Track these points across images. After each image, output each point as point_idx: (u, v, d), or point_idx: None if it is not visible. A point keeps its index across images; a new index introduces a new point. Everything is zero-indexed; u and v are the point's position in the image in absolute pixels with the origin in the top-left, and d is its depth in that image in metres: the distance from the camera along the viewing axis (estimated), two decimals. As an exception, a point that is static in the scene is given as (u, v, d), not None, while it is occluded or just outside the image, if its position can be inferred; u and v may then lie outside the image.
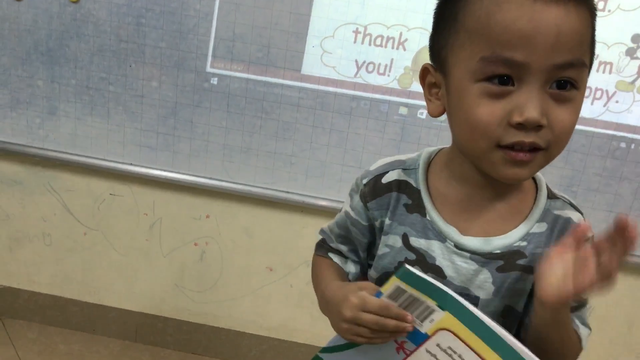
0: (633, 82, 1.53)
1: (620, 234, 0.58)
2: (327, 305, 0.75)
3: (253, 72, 1.62)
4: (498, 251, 0.72)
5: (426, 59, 0.73)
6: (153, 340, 1.95)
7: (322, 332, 1.91)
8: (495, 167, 0.65)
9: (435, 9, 0.70)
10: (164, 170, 1.73)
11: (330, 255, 0.85)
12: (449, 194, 0.74)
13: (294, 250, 1.80)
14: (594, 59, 0.67)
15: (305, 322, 1.87)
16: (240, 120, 1.67)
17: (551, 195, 0.74)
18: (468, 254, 0.72)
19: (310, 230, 1.74)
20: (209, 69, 1.63)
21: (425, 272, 0.72)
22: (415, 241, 0.74)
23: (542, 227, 0.73)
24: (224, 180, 1.72)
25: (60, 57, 1.67)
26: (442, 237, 0.73)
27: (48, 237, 1.89)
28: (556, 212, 0.73)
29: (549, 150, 0.64)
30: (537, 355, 0.66)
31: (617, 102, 1.55)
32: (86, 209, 1.85)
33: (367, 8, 1.54)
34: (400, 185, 0.76)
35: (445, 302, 0.66)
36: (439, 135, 1.61)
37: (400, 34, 1.55)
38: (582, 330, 0.72)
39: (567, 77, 0.62)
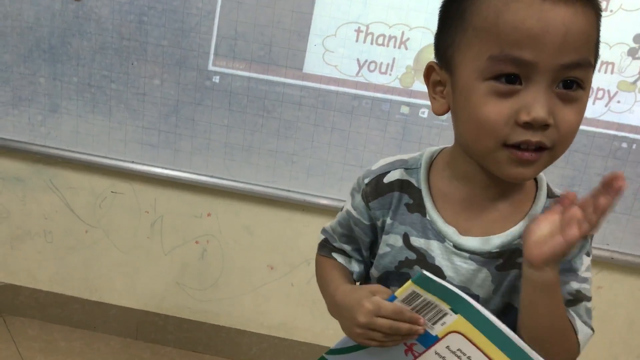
0: (635, 82, 1.53)
1: (608, 185, 0.59)
2: (338, 309, 0.75)
3: (255, 71, 1.62)
4: (497, 250, 0.72)
5: (428, 58, 0.73)
6: (154, 338, 1.95)
7: (323, 331, 1.93)
8: (501, 167, 0.65)
9: (441, 7, 0.70)
10: (166, 168, 1.74)
11: (334, 255, 0.85)
12: (450, 194, 0.74)
13: (295, 249, 1.80)
14: (598, 59, 0.67)
15: (305, 321, 1.87)
16: (241, 119, 1.67)
17: (551, 195, 0.75)
18: (467, 254, 0.72)
19: (312, 229, 1.74)
20: (210, 67, 1.63)
21: (426, 270, 0.73)
22: (416, 240, 0.75)
23: None
24: (225, 178, 1.73)
25: (63, 55, 1.67)
26: (441, 237, 0.73)
27: (49, 234, 1.90)
28: None
29: (554, 150, 0.64)
30: (530, 341, 0.67)
31: (618, 102, 1.55)
32: (88, 207, 1.85)
33: (369, 7, 1.54)
34: (402, 185, 0.76)
35: (458, 306, 0.66)
36: (440, 134, 1.61)
37: (402, 33, 1.55)
38: (579, 325, 0.72)
39: (574, 77, 0.62)
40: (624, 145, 1.58)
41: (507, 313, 0.73)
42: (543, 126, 0.61)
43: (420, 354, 0.71)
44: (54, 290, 1.95)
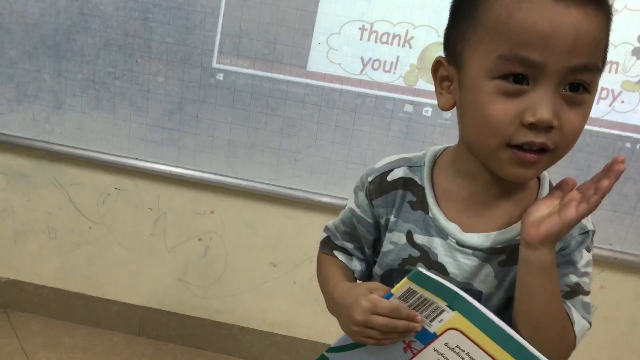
0: (639, 82, 1.53)
1: (609, 169, 0.61)
2: (336, 307, 0.75)
3: (259, 68, 1.62)
4: (500, 246, 0.72)
5: (432, 57, 0.73)
6: (156, 335, 1.96)
7: (325, 329, 1.93)
8: (502, 166, 0.66)
9: (453, 2, 0.70)
10: (169, 165, 1.74)
11: (336, 253, 0.85)
12: (454, 191, 0.74)
13: (298, 247, 1.81)
14: (606, 62, 0.67)
15: (307, 318, 1.87)
16: (245, 116, 1.67)
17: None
18: (470, 251, 0.73)
19: (314, 227, 1.74)
20: (215, 65, 1.64)
21: (429, 269, 0.73)
22: (419, 238, 0.75)
23: None
24: (228, 175, 1.73)
25: (67, 51, 1.68)
26: (443, 234, 0.74)
27: (53, 230, 1.90)
28: None
29: (556, 152, 0.65)
30: (525, 328, 0.67)
31: (622, 102, 1.55)
32: (91, 203, 1.85)
33: (374, 5, 1.54)
34: (405, 183, 0.77)
35: (455, 303, 0.66)
36: (444, 133, 1.61)
37: (407, 32, 1.55)
38: (576, 317, 0.71)
39: (581, 80, 0.62)
40: (628, 145, 1.58)
41: (508, 308, 0.73)
42: (547, 128, 0.62)
43: (419, 351, 0.71)
44: (57, 286, 1.96)
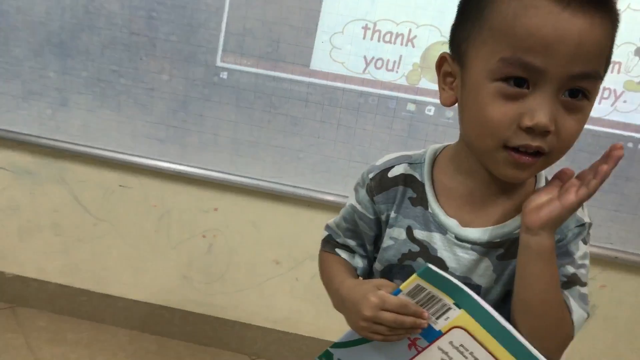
0: (641, 82, 1.53)
1: (608, 155, 0.63)
2: (344, 304, 0.76)
3: (262, 67, 1.63)
4: (498, 240, 0.73)
5: (435, 56, 0.74)
6: (160, 331, 1.97)
7: (327, 326, 1.94)
8: (498, 166, 0.67)
9: (462, 0, 0.70)
10: (173, 163, 1.75)
11: (338, 251, 0.86)
12: (453, 188, 0.76)
13: (300, 244, 1.82)
14: (608, 68, 0.68)
15: (310, 315, 1.88)
16: (249, 115, 1.68)
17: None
18: (469, 245, 0.74)
19: (317, 225, 1.74)
20: (219, 63, 1.65)
21: (428, 262, 0.74)
22: (419, 233, 0.76)
23: None
24: (232, 173, 1.74)
25: (72, 49, 1.69)
26: (443, 230, 0.75)
27: (58, 227, 1.92)
28: None
29: (551, 156, 0.66)
30: (523, 316, 0.68)
31: (624, 101, 1.55)
32: (96, 200, 1.87)
33: (377, 4, 1.54)
34: (406, 179, 0.78)
35: (463, 301, 0.67)
36: (446, 132, 1.61)
37: (410, 31, 1.56)
38: (574, 306, 0.72)
39: (581, 87, 0.63)
40: (630, 145, 1.59)
41: (507, 301, 0.74)
42: (544, 132, 0.63)
43: (423, 349, 0.72)
44: (62, 282, 1.97)
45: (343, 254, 0.85)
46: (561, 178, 0.68)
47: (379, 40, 1.58)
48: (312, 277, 1.83)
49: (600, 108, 1.56)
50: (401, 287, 0.69)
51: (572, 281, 0.73)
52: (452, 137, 0.77)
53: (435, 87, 0.74)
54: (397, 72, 1.60)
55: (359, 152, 1.67)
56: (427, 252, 0.76)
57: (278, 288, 1.88)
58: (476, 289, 0.74)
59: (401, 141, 1.64)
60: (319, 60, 1.61)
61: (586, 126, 1.61)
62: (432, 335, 0.71)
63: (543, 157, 0.65)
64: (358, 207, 0.82)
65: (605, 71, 0.66)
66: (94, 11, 1.65)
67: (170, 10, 1.62)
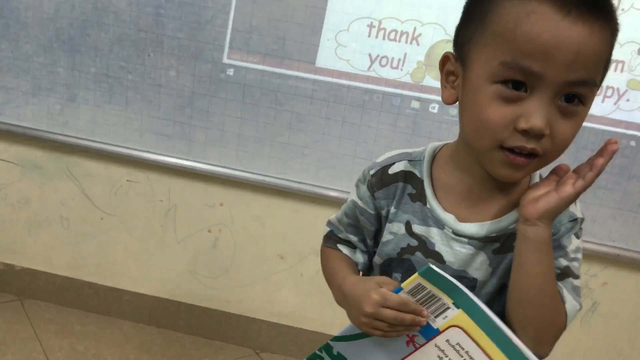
0: (644, 80, 1.54)
1: (603, 149, 0.66)
2: (345, 299, 0.78)
3: (268, 64, 1.65)
4: (494, 234, 0.75)
5: (439, 54, 0.76)
6: (166, 324, 1.99)
7: (331, 320, 1.96)
8: (493, 166, 0.69)
9: (467, 2, 0.72)
10: (180, 158, 1.77)
11: (340, 246, 0.88)
12: (451, 184, 0.78)
13: (305, 240, 1.83)
14: (605, 75, 0.70)
15: (314, 310, 1.90)
16: (254, 111, 1.70)
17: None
18: (466, 240, 0.76)
19: (321, 221, 1.75)
20: (225, 60, 1.66)
21: (426, 257, 0.76)
22: (417, 228, 0.78)
23: None
24: (238, 169, 1.76)
25: (81, 46, 1.71)
26: (440, 224, 0.77)
27: (66, 221, 1.94)
28: None
29: (545, 158, 0.68)
30: (519, 304, 0.70)
31: (627, 100, 1.56)
32: (103, 195, 1.89)
33: (382, 3, 1.56)
34: (406, 176, 0.80)
35: (461, 301, 0.69)
36: (449, 129, 1.63)
37: (414, 29, 1.57)
38: (567, 296, 0.74)
39: (577, 93, 0.65)
40: (633, 143, 1.60)
41: (502, 294, 0.76)
42: (539, 135, 0.64)
43: (420, 346, 0.74)
44: (69, 275, 1.99)
45: (345, 250, 0.87)
46: (558, 173, 0.71)
47: (384, 38, 1.59)
48: (316, 272, 1.84)
49: (603, 106, 1.57)
50: (402, 285, 0.71)
51: (565, 273, 0.75)
52: (455, 134, 0.79)
53: (439, 85, 0.76)
54: (401, 69, 1.61)
55: (364, 148, 1.69)
56: (425, 247, 0.78)
57: (282, 283, 1.90)
58: (472, 282, 0.76)
59: (405, 138, 1.66)
60: (324, 58, 1.62)
61: (589, 124, 1.63)
62: (430, 333, 0.73)
63: (537, 158, 0.67)
64: (359, 202, 0.84)
65: (602, 78, 0.68)
66: (102, 8, 1.67)
67: (177, 7, 1.64)
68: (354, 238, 0.86)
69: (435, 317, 0.71)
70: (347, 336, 0.79)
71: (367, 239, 0.85)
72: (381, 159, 0.83)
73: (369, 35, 1.59)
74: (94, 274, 1.99)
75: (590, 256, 1.70)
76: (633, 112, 1.57)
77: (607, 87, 1.56)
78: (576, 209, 0.76)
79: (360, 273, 0.87)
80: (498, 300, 0.75)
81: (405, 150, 0.82)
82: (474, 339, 0.70)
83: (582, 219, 0.77)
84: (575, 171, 0.69)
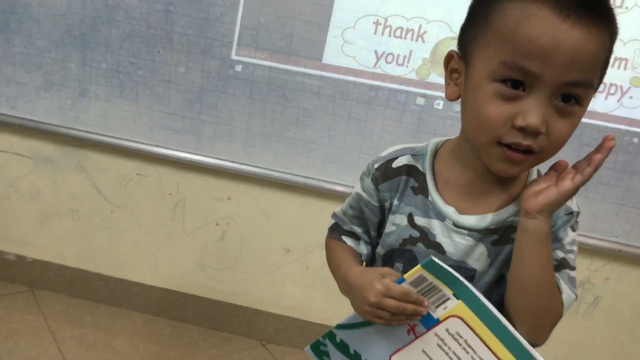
0: (647, 78, 1.56)
1: (601, 146, 0.69)
2: (350, 289, 0.81)
3: (276, 61, 1.67)
4: (493, 227, 0.78)
5: (444, 51, 0.79)
6: (174, 315, 2.02)
7: (336, 313, 1.98)
8: (491, 161, 0.72)
9: (472, 3, 0.75)
10: (189, 153, 1.80)
11: (344, 238, 0.91)
12: (452, 178, 0.81)
13: (310, 234, 1.85)
14: (603, 78, 0.72)
15: (319, 303, 1.93)
16: (262, 107, 1.72)
17: (539, 176, 0.81)
18: (465, 231, 0.79)
19: (327, 215, 1.77)
20: (233, 57, 1.69)
21: (427, 248, 0.79)
22: (419, 220, 0.81)
23: None
24: (245, 163, 1.78)
25: (92, 42, 1.74)
26: (441, 217, 0.80)
27: (77, 213, 1.97)
28: None
29: (541, 155, 0.71)
30: (519, 292, 0.73)
31: (631, 97, 1.58)
32: (114, 188, 1.92)
33: (388, 0, 1.58)
34: (409, 170, 0.83)
35: (461, 292, 0.72)
36: (454, 126, 1.65)
37: (420, 26, 1.59)
38: (564, 286, 0.77)
39: (573, 93, 0.67)
40: (635, 140, 1.61)
41: (499, 284, 0.80)
42: (535, 133, 0.67)
43: (421, 335, 0.77)
44: (80, 267, 2.02)
45: (349, 241, 0.90)
46: (557, 169, 0.73)
47: (389, 36, 1.61)
48: (322, 266, 1.87)
49: (606, 104, 1.59)
50: (405, 276, 0.74)
51: (561, 265, 0.78)
52: (459, 130, 0.82)
53: (444, 81, 0.79)
54: (407, 66, 1.63)
55: (369, 144, 1.71)
56: (426, 238, 0.81)
57: (288, 275, 1.93)
58: (471, 272, 0.79)
59: (410, 134, 1.68)
60: (331, 55, 1.64)
61: (592, 121, 1.64)
62: (430, 323, 0.76)
63: (533, 155, 0.70)
64: (364, 195, 0.87)
65: (600, 80, 0.70)
66: (113, 5, 1.69)
67: (186, 4, 1.66)
68: (358, 229, 0.89)
69: (436, 307, 0.74)
70: (350, 324, 0.82)
71: (371, 230, 0.88)
72: (385, 153, 0.86)
73: (375, 33, 1.61)
74: (103, 265, 2.02)
75: (592, 251, 1.72)
76: (636, 109, 1.59)
77: (611, 85, 1.57)
78: (572, 203, 0.78)
79: (364, 264, 0.90)
80: (496, 289, 0.78)
81: (408, 145, 0.85)
82: (473, 328, 0.73)
83: (578, 213, 0.79)
84: (574, 167, 0.72)
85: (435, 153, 0.83)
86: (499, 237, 0.79)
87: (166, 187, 1.89)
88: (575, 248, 0.80)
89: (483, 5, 0.71)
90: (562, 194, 0.70)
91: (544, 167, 0.78)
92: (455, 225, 0.79)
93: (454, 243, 0.79)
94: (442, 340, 0.75)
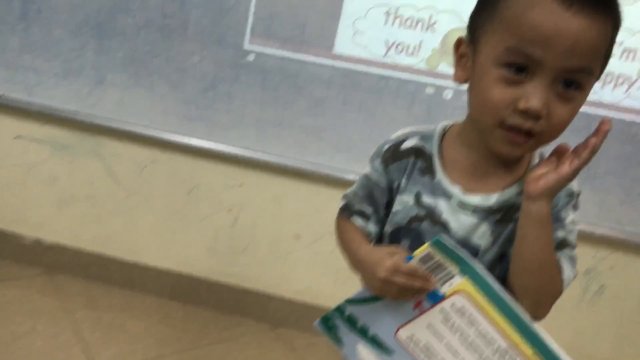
0: (655, 69, 1.57)
1: (597, 130, 0.71)
2: (360, 264, 0.86)
3: (288, 50, 1.70)
4: (497, 206, 0.82)
5: (454, 41, 0.82)
6: (187, 299, 2.05)
7: (344, 297, 2.01)
8: (494, 142, 0.76)
9: None
10: (202, 140, 1.83)
11: (354, 218, 0.94)
12: (458, 160, 0.84)
13: (320, 220, 1.87)
14: (605, 67, 0.75)
15: (328, 288, 1.96)
16: (274, 96, 1.75)
17: (542, 159, 0.84)
18: (470, 210, 0.83)
19: (337, 202, 1.80)
20: (246, 46, 1.72)
21: (433, 226, 0.83)
22: (426, 199, 0.85)
23: None
24: (257, 151, 1.82)
25: (109, 31, 1.77)
26: (447, 196, 0.84)
27: (93, 198, 2.01)
28: None
29: (541, 138, 0.74)
30: (521, 270, 0.77)
31: (639, 88, 1.59)
32: (129, 174, 1.95)
33: (399, -9, 1.60)
34: (417, 151, 0.87)
35: (467, 270, 0.77)
36: (463, 115, 1.66)
37: (430, 16, 1.61)
38: (564, 264, 0.81)
39: (574, 79, 0.71)
40: (642, 130, 1.63)
41: (502, 261, 0.84)
42: (536, 116, 0.71)
43: (426, 310, 0.81)
44: (96, 251, 2.06)
45: (359, 221, 0.93)
46: (558, 153, 0.76)
47: (400, 26, 1.63)
48: (331, 252, 1.89)
49: (614, 94, 1.60)
50: (414, 253, 0.78)
51: (563, 244, 0.82)
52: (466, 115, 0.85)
53: (453, 72, 0.83)
54: (417, 56, 1.65)
55: (379, 133, 1.73)
56: (432, 216, 0.84)
57: (298, 261, 1.96)
58: (475, 249, 0.83)
59: (419, 124, 1.69)
60: (342, 44, 1.67)
61: (600, 112, 1.66)
62: (436, 298, 0.79)
63: (534, 138, 0.73)
64: (373, 176, 0.91)
65: (602, 69, 0.74)
66: (129, -6, 1.73)
67: (201, -6, 1.69)
68: (368, 209, 0.93)
69: (442, 284, 0.78)
70: (359, 299, 0.86)
71: (380, 209, 0.92)
72: (394, 135, 0.90)
73: (385, 23, 1.63)
74: (118, 250, 2.05)
75: (598, 240, 1.74)
76: (643, 100, 1.60)
77: (619, 76, 1.59)
78: (573, 184, 0.82)
79: (372, 243, 0.94)
80: (499, 266, 0.82)
81: (417, 128, 0.90)
82: (477, 304, 0.77)
83: (579, 192, 0.83)
84: (573, 151, 0.75)
85: (443, 135, 0.87)
86: (502, 216, 0.82)
87: (180, 173, 1.92)
88: (576, 228, 0.83)
89: None
90: (562, 178, 0.73)
91: (548, 151, 0.81)
92: (461, 204, 0.83)
93: (458, 221, 0.83)
94: (447, 315, 0.79)
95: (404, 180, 0.87)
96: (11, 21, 1.81)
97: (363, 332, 0.87)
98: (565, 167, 0.73)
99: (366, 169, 0.93)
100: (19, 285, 2.00)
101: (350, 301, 0.87)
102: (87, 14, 1.77)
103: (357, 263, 0.87)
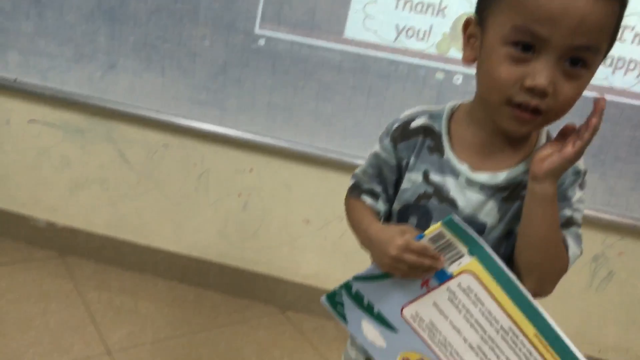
0: (667, 54, 1.56)
1: (594, 108, 0.72)
2: (371, 242, 0.87)
3: (298, 35, 1.71)
4: (504, 184, 0.83)
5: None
6: (197, 282, 2.09)
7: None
8: (502, 120, 0.77)
9: None
10: (213, 125, 1.85)
11: (364, 197, 0.96)
12: (466, 138, 0.85)
13: (330, 205, 1.89)
14: (612, 45, 0.75)
15: (337, 272, 1.96)
16: (284, 80, 1.76)
17: (549, 139, 0.85)
18: (478, 187, 0.84)
19: (346, 187, 1.82)
20: (257, 31, 1.73)
21: (440, 203, 0.84)
22: (434, 177, 0.86)
23: None
24: (267, 136, 1.83)
25: (121, 16, 1.79)
26: (455, 174, 0.85)
27: (105, 182, 2.03)
28: None
29: (548, 115, 0.75)
30: (527, 248, 0.78)
31: (650, 74, 1.59)
32: (140, 158, 1.98)
33: (410, -25, 1.60)
34: (425, 130, 0.88)
35: (475, 251, 0.78)
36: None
37: (440, 1, 1.61)
38: (570, 242, 0.82)
39: (581, 57, 0.71)
40: (653, 116, 1.62)
41: (508, 238, 0.85)
42: (542, 93, 0.71)
43: (433, 288, 0.82)
44: (108, 234, 2.09)
45: (368, 200, 0.95)
46: (564, 133, 0.77)
47: (410, 10, 1.63)
48: (340, 237, 1.92)
49: (625, 80, 1.60)
50: (425, 232, 0.79)
51: (568, 222, 0.83)
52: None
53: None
54: (427, 41, 1.66)
55: (389, 118, 1.71)
56: (440, 193, 0.86)
57: (308, 245, 1.98)
58: (482, 226, 0.84)
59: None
60: (352, 29, 1.67)
61: (611, 97, 1.66)
62: (443, 277, 0.81)
63: (541, 115, 0.74)
64: (382, 154, 0.92)
65: (609, 47, 0.74)
66: (141, -21, 1.74)
67: (212, -21, 1.70)
68: (377, 188, 0.94)
69: (450, 263, 0.80)
70: (367, 276, 0.87)
71: (389, 188, 0.93)
72: (403, 115, 0.92)
73: (396, 7, 1.64)
74: (130, 233, 2.08)
75: (607, 226, 1.74)
76: (655, 85, 1.59)
77: (630, 61, 1.58)
78: (579, 162, 0.82)
79: (381, 220, 0.95)
80: (505, 243, 0.83)
81: (426, 107, 0.91)
82: (484, 284, 0.78)
83: (585, 171, 0.84)
84: (576, 132, 0.76)
85: (451, 115, 0.88)
86: (509, 193, 0.83)
87: (191, 158, 1.94)
88: (582, 206, 0.84)
89: None
90: (566, 160, 0.74)
91: (554, 130, 0.82)
92: (468, 181, 0.84)
93: (466, 198, 0.84)
94: (453, 293, 0.80)
95: (412, 159, 0.88)
96: (25, 6, 1.83)
97: (369, 309, 0.88)
98: (569, 149, 0.74)
99: (375, 147, 0.94)
100: (32, 267, 2.04)
101: (358, 278, 0.88)
102: (99, -1, 1.78)
103: (367, 241, 0.88)
